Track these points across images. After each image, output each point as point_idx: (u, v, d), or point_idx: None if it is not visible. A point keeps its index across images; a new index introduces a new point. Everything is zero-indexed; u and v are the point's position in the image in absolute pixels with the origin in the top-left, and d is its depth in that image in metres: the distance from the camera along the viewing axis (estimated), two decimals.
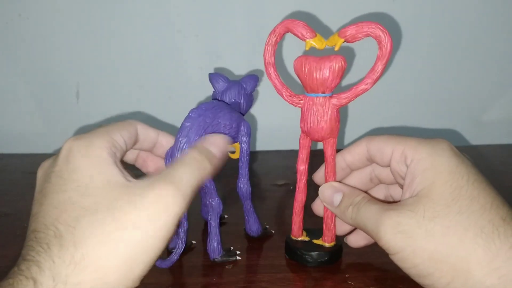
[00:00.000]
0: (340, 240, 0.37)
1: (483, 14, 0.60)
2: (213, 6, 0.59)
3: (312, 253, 0.35)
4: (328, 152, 0.34)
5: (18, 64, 0.62)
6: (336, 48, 0.31)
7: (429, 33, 0.61)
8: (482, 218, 0.26)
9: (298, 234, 0.37)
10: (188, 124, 0.33)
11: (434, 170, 0.28)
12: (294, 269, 0.35)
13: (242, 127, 0.37)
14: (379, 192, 0.36)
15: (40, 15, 0.60)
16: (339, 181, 0.35)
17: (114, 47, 0.61)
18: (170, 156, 0.33)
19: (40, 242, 0.24)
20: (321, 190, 0.34)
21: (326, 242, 0.36)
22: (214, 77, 0.38)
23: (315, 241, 0.36)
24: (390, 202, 0.30)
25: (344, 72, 0.32)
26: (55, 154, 0.29)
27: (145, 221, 0.25)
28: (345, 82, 0.61)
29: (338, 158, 0.35)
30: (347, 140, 0.65)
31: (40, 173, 0.29)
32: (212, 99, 0.38)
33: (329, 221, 0.35)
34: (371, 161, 0.34)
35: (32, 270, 0.23)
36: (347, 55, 0.60)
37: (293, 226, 0.37)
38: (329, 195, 0.33)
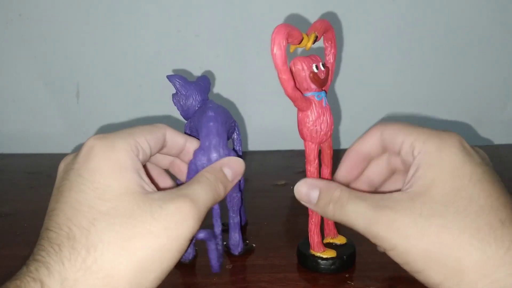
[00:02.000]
0: (351, 241, 0.36)
1: (486, 13, 0.60)
2: (213, 6, 0.59)
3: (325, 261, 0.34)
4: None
5: (18, 64, 0.62)
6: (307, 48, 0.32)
7: (429, 33, 0.61)
8: (479, 220, 0.26)
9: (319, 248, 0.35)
10: (213, 124, 0.33)
11: (437, 166, 0.28)
12: (293, 269, 0.35)
13: (235, 123, 0.37)
14: (395, 182, 0.35)
15: (40, 15, 0.60)
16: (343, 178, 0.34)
17: (114, 47, 0.61)
18: (203, 155, 0.32)
19: (52, 243, 0.24)
20: (296, 189, 0.32)
21: (330, 237, 0.36)
22: (181, 78, 0.37)
23: (325, 240, 0.36)
24: (373, 193, 0.30)
25: (297, 74, 0.31)
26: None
27: (161, 231, 0.25)
28: (340, 85, 0.61)
29: (353, 152, 0.34)
30: (346, 140, 0.64)
31: (61, 167, 0.28)
32: (175, 100, 0.38)
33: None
34: (385, 149, 0.33)
35: (41, 272, 0.23)
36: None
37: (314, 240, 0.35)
38: (305, 193, 0.32)
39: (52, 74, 0.62)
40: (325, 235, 0.36)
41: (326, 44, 0.34)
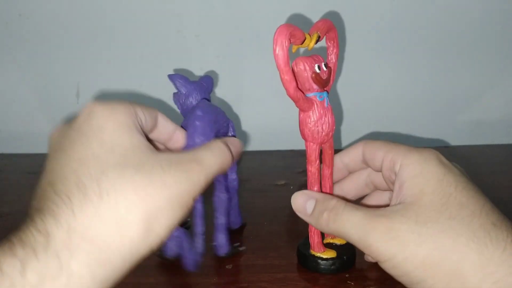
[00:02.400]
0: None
1: (482, 13, 0.60)
2: (213, 6, 0.59)
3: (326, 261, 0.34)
4: None
5: (18, 64, 0.62)
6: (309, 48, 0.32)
7: (428, 33, 0.61)
8: (473, 223, 0.26)
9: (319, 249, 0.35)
10: (199, 123, 0.33)
11: (423, 177, 0.28)
12: (294, 269, 0.35)
13: (230, 123, 0.38)
14: (376, 198, 0.36)
15: (40, 15, 0.60)
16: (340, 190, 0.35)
17: (114, 47, 0.61)
18: None
19: (58, 194, 0.23)
20: (292, 199, 0.33)
21: (330, 237, 0.36)
22: (182, 78, 0.38)
23: (325, 241, 0.36)
24: (371, 207, 0.30)
25: (299, 74, 0.31)
26: None
27: (172, 184, 0.25)
28: (341, 85, 0.61)
29: (336, 159, 0.35)
30: (347, 140, 0.64)
31: (54, 135, 0.28)
32: (175, 99, 0.38)
33: None
34: (366, 164, 0.34)
35: (47, 223, 0.22)
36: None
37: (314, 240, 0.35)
38: (302, 203, 0.32)
39: (52, 74, 0.62)
40: (325, 235, 0.36)
41: (329, 43, 0.34)
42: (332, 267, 0.34)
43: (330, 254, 0.34)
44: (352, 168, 0.35)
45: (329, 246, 0.35)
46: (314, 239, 0.34)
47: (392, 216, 0.27)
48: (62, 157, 0.25)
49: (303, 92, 0.32)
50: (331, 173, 0.35)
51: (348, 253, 0.35)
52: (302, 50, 0.34)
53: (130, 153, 0.25)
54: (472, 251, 0.25)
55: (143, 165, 0.25)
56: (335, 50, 0.34)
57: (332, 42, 0.34)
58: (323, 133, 0.33)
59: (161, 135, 0.33)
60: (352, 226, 0.28)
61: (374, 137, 0.63)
